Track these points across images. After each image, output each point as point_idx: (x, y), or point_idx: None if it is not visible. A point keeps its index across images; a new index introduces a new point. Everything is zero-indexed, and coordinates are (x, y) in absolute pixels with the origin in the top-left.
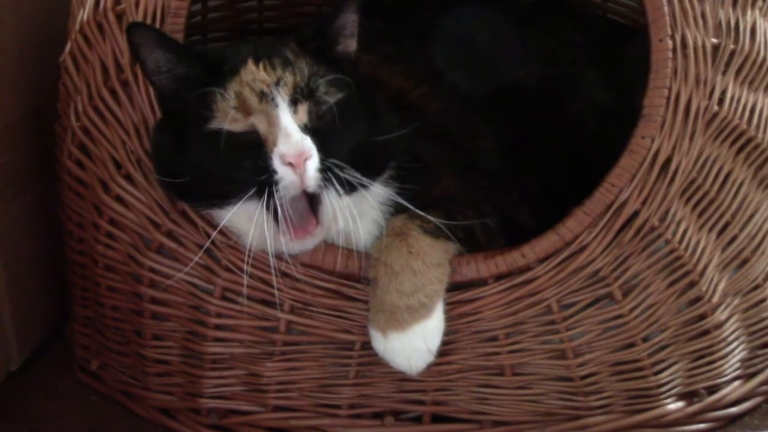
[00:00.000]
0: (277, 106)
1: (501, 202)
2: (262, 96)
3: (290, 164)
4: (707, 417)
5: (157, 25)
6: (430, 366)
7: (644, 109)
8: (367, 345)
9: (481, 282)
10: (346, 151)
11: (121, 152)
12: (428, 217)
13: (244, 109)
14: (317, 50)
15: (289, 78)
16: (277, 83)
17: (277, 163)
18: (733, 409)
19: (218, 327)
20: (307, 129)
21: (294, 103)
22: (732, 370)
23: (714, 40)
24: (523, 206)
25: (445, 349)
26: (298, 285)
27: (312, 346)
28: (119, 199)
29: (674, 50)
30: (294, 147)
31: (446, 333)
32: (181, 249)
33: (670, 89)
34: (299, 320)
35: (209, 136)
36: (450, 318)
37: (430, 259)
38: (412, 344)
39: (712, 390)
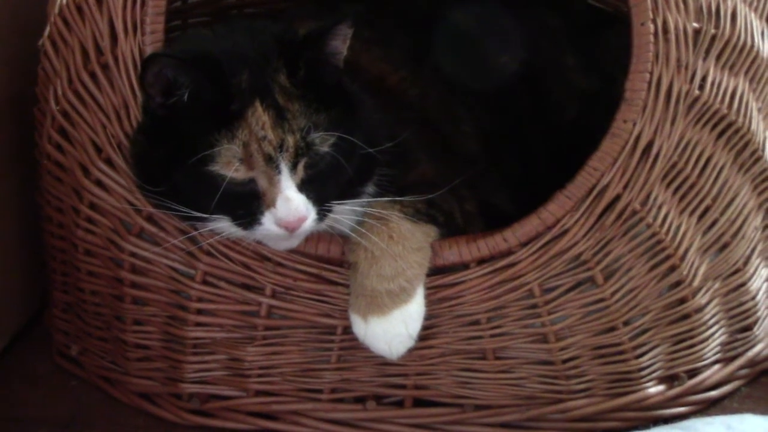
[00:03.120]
0: (280, 172)
1: (480, 186)
2: (269, 159)
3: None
4: (687, 400)
5: (138, 8)
6: (411, 350)
7: (626, 92)
8: (348, 329)
9: (463, 266)
10: (340, 187)
11: (101, 136)
12: (408, 200)
13: (249, 164)
14: (308, 81)
15: (290, 140)
16: (281, 146)
17: (269, 220)
18: (713, 393)
19: (199, 311)
20: (303, 183)
21: (294, 165)
22: (712, 354)
23: (695, 25)
24: (502, 191)
25: (427, 333)
26: (280, 269)
27: (293, 330)
28: (99, 184)
29: (656, 34)
30: (293, 213)
31: (428, 317)
32: (162, 233)
33: (651, 73)
34: (280, 304)
35: (205, 175)
36: (432, 302)
37: (410, 244)
38: (393, 329)
39: (693, 373)
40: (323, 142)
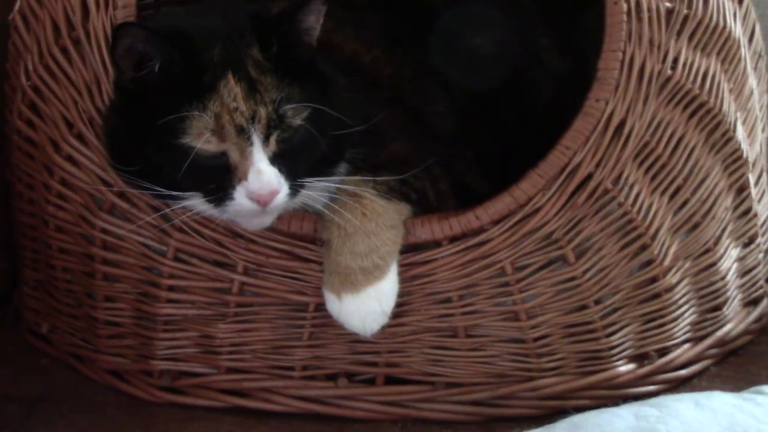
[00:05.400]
0: (252, 144)
1: (453, 166)
2: (241, 131)
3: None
4: (657, 379)
5: None
6: (384, 327)
7: (599, 71)
8: (320, 306)
9: (435, 244)
10: (313, 163)
11: (72, 111)
12: (381, 178)
13: (220, 136)
14: (281, 57)
15: (262, 112)
16: (253, 118)
17: (240, 194)
18: (683, 372)
19: (171, 288)
20: (275, 157)
21: (267, 138)
22: (682, 333)
23: (668, 4)
24: (475, 171)
25: (399, 311)
26: (252, 246)
27: (265, 307)
28: (71, 159)
29: (629, 13)
30: (264, 186)
31: (400, 295)
32: (133, 209)
33: (624, 52)
34: (252, 281)
35: (177, 148)
36: (404, 280)
37: (383, 221)
38: (367, 306)
39: (663, 352)
40: (296, 116)
